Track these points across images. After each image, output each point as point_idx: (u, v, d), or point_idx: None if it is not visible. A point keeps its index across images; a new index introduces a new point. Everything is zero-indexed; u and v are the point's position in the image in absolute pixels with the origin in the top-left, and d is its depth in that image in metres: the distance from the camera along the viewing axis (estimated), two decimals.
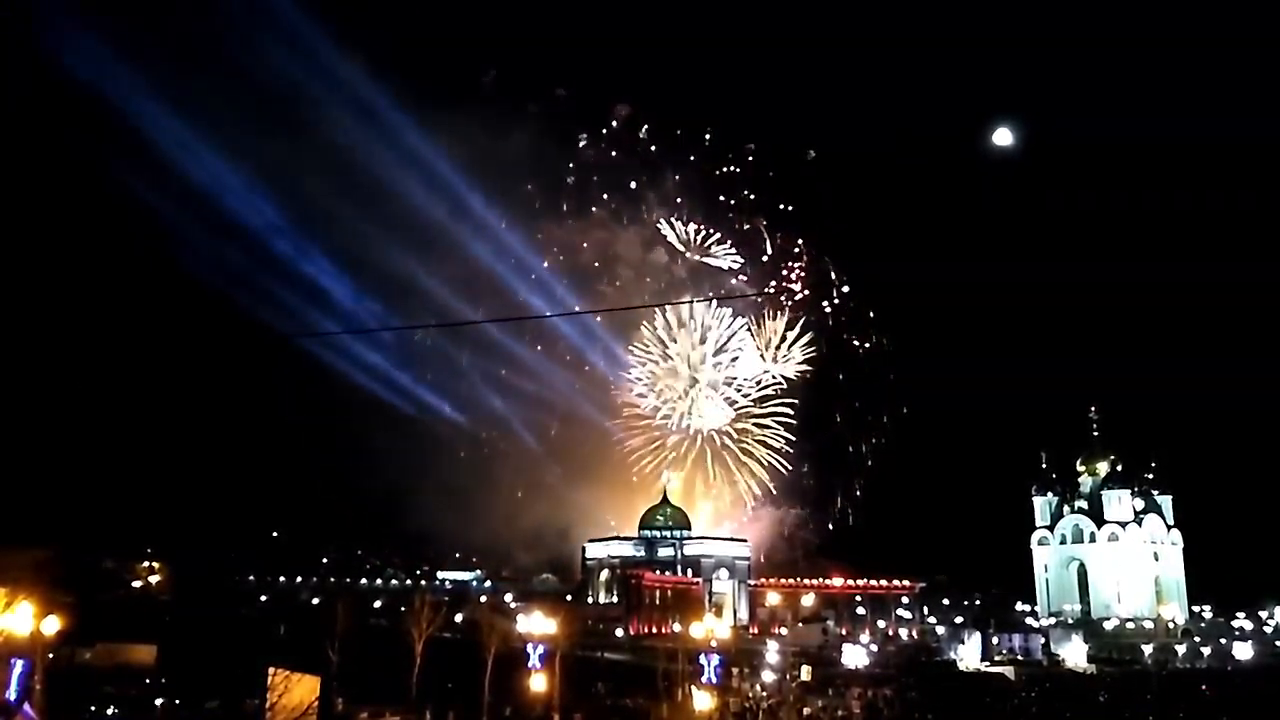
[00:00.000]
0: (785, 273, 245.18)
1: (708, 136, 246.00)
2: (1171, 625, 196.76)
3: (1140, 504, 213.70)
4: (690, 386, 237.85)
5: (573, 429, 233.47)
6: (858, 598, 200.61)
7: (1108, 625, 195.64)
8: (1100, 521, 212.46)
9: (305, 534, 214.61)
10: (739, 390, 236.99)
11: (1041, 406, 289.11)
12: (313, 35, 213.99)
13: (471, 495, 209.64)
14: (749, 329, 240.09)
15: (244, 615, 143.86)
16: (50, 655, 53.70)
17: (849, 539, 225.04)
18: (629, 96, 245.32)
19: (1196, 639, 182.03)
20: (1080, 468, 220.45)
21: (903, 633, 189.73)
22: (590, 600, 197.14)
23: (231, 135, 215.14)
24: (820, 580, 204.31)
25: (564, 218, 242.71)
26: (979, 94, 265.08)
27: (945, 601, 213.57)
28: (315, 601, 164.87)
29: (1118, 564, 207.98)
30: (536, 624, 72.83)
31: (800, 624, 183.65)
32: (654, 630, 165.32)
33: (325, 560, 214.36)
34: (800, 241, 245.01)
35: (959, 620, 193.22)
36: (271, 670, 58.27)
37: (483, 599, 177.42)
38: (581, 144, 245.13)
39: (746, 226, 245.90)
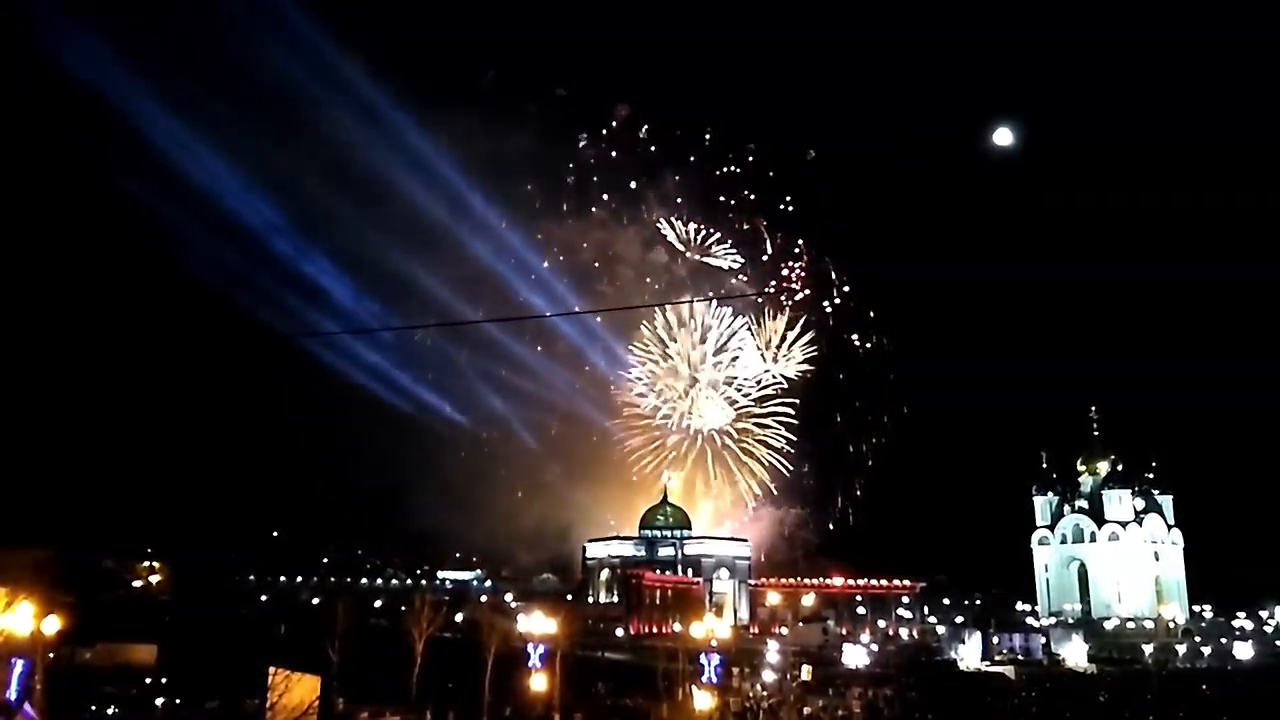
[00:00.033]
0: (785, 273, 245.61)
1: (708, 136, 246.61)
2: (1172, 625, 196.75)
3: (1140, 504, 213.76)
4: (690, 386, 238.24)
5: (573, 429, 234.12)
6: (858, 598, 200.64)
7: (1108, 625, 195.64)
8: (1100, 521, 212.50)
9: (305, 534, 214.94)
10: (739, 390, 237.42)
11: (1041, 406, 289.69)
12: (312, 35, 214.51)
13: (471, 495, 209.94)
14: (749, 329, 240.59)
15: (244, 615, 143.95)
16: (50, 655, 53.65)
17: (849, 539, 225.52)
18: (629, 96, 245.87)
19: (1197, 639, 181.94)
20: (1080, 467, 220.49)
21: (903, 632, 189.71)
22: (590, 600, 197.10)
23: (231, 135, 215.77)
24: (820, 580, 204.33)
25: (564, 218, 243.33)
26: (979, 94, 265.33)
27: (945, 601, 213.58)
28: (315, 601, 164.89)
29: (1118, 564, 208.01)
30: (537, 624, 72.75)
31: (800, 624, 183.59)
32: (654, 630, 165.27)
33: (325, 560, 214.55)
34: (800, 241, 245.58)
35: (959, 620, 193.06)
36: (272, 670, 58.35)
37: (483, 599, 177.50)
38: (581, 144, 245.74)
39: (746, 226, 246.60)
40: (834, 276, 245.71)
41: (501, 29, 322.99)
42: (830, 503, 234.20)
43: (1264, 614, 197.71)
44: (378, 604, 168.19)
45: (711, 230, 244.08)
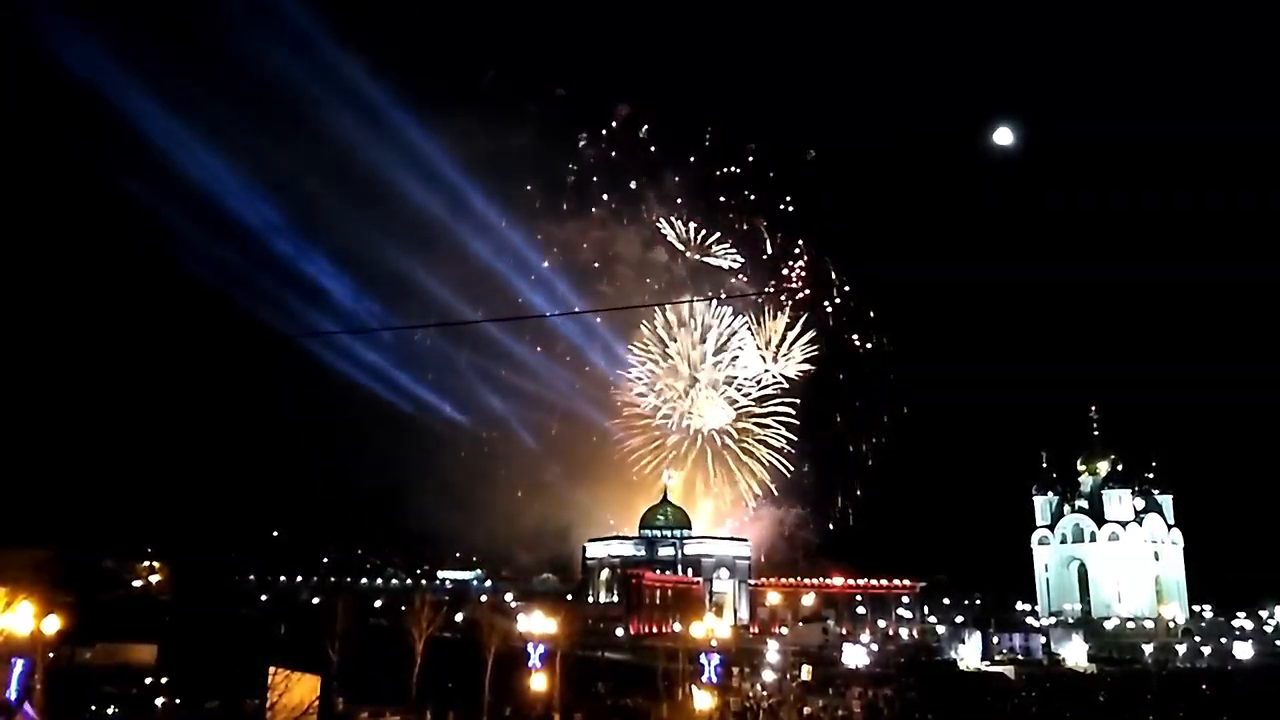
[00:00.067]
0: (785, 273, 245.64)
1: (708, 136, 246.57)
2: (1172, 625, 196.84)
3: (1140, 504, 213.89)
4: (690, 386, 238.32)
5: (573, 429, 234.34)
6: (858, 597, 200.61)
7: (1108, 625, 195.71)
8: (1100, 521, 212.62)
9: (305, 534, 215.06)
10: (739, 390, 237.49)
11: (1041, 406, 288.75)
12: (312, 35, 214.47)
13: (471, 495, 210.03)
14: (749, 329, 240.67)
15: (244, 615, 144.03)
16: (50, 655, 53.68)
17: (849, 539, 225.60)
18: (629, 96, 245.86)
19: (1197, 639, 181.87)
20: (1080, 467, 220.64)
21: (903, 632, 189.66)
22: (590, 600, 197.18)
23: (231, 135, 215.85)
24: (820, 580, 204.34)
25: (564, 217, 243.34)
26: (979, 94, 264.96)
27: (945, 601, 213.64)
28: (315, 601, 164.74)
29: (1118, 564, 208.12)
30: (537, 624, 72.80)
31: (800, 624, 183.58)
32: (654, 630, 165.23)
33: (325, 560, 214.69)
34: (800, 241, 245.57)
35: (959, 620, 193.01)
36: (272, 670, 58.39)
37: (483, 599, 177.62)
38: (581, 144, 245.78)
39: (746, 226, 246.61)
40: (834, 276, 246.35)
41: (501, 29, 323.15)
42: (830, 503, 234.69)
43: (1264, 614, 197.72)
44: (378, 604, 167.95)
45: (711, 230, 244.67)
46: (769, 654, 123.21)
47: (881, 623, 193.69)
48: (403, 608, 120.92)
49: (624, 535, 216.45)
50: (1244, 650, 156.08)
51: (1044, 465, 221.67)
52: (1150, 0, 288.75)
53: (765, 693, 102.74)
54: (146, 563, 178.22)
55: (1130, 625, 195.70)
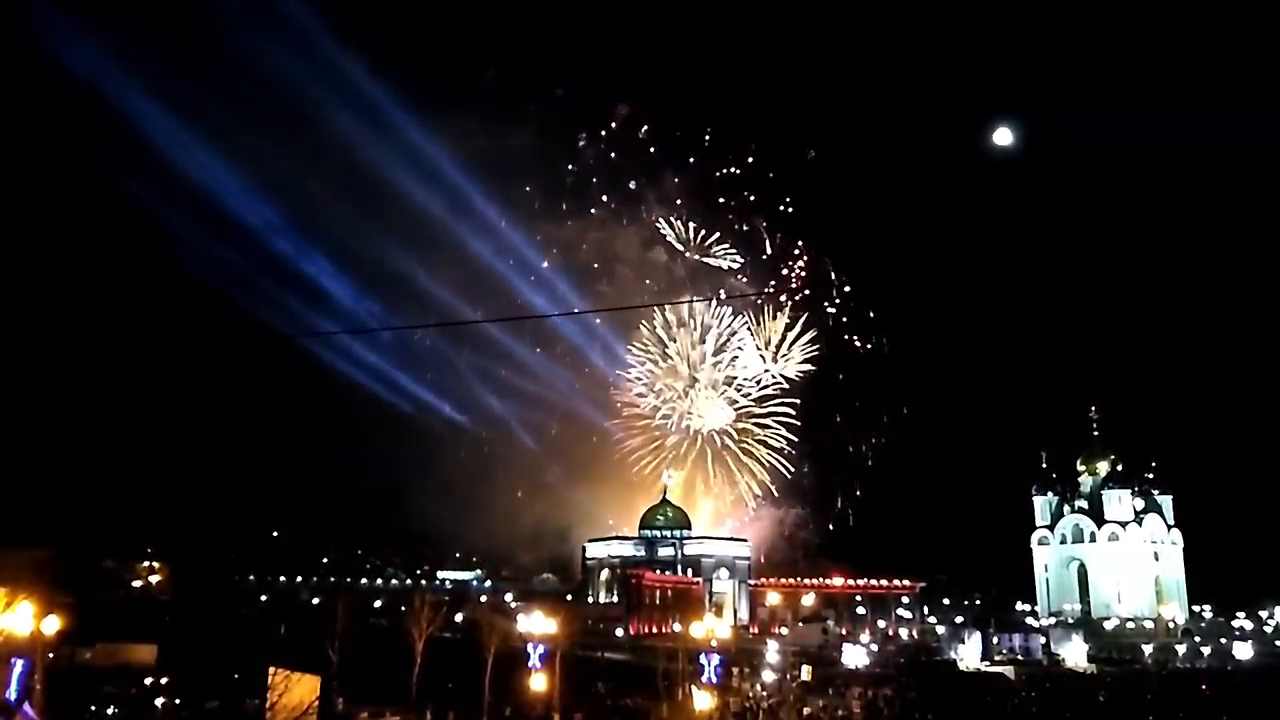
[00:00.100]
0: (785, 273, 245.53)
1: (708, 137, 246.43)
2: (1171, 625, 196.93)
3: (1140, 504, 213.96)
4: (690, 386, 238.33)
5: (572, 429, 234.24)
6: (858, 598, 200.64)
7: (1108, 625, 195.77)
8: (1100, 521, 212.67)
9: (305, 534, 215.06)
10: (739, 390, 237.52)
11: (1041, 406, 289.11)
12: (312, 35, 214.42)
13: (471, 495, 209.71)
14: (749, 329, 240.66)
15: (244, 615, 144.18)
16: (50, 655, 53.70)
17: (849, 539, 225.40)
18: (629, 96, 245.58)
19: (1196, 639, 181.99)
20: (1080, 467, 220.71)
21: (903, 633, 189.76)
22: (590, 600, 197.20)
23: (231, 135, 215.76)
24: (820, 580, 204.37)
25: (564, 217, 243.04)
26: (979, 94, 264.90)
27: (945, 601, 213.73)
28: (315, 601, 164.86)
29: (1118, 564, 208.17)
30: (536, 624, 72.83)
31: (800, 624, 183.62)
32: (654, 630, 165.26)
33: (325, 560, 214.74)
34: (800, 242, 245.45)
35: (959, 620, 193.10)
36: (271, 670, 58.36)
37: (483, 599, 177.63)
38: (581, 144, 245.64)
39: (746, 227, 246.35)
40: (834, 276, 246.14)
41: (501, 29, 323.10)
42: (830, 503, 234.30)
43: (1264, 614, 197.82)
44: (378, 604, 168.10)
45: (711, 230, 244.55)
46: (769, 654, 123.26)
47: (881, 623, 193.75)
48: (403, 608, 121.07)
49: (624, 535, 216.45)
50: (1244, 650, 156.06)
51: (1044, 465, 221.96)
52: (1150, 0, 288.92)
53: (765, 693, 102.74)
54: (146, 563, 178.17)
55: (1130, 625, 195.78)
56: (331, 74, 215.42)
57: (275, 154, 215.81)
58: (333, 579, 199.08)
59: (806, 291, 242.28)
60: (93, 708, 70.35)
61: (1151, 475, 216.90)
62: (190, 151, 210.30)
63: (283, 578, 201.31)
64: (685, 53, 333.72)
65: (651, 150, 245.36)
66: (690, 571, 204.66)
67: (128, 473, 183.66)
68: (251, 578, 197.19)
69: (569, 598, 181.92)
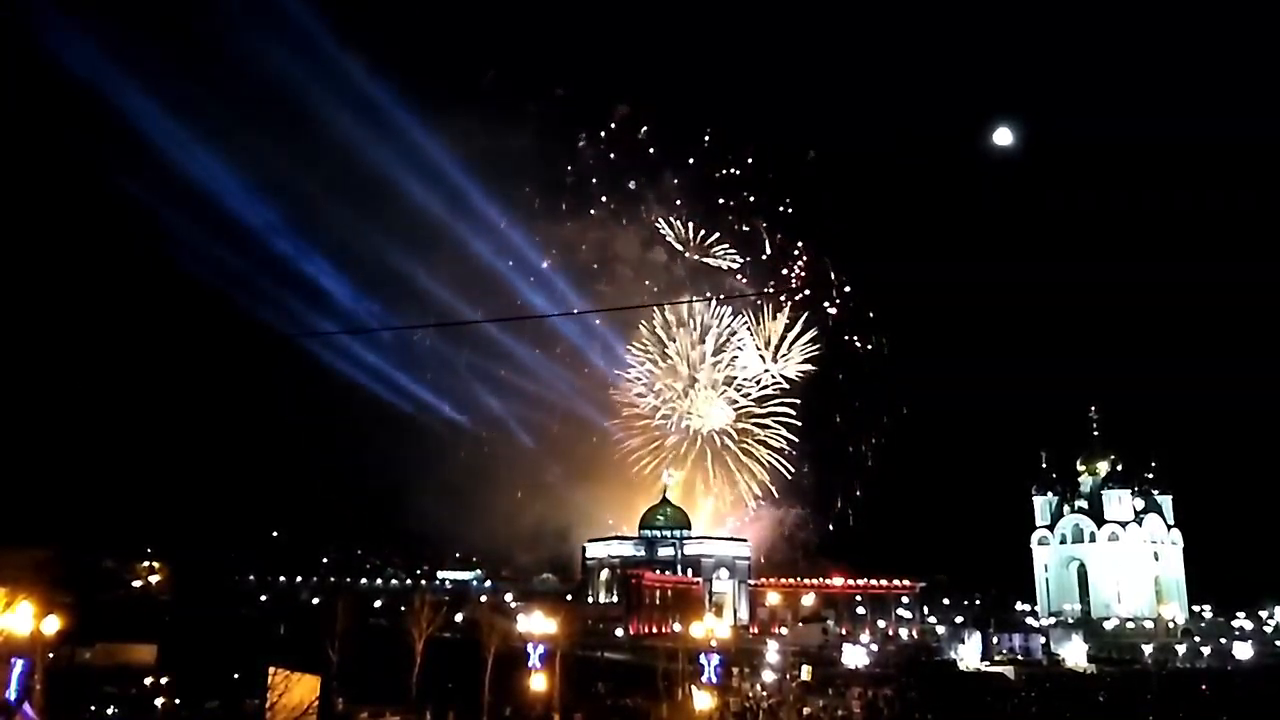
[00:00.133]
0: (785, 273, 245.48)
1: (707, 137, 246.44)
2: (1171, 625, 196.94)
3: (1140, 504, 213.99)
4: (690, 386, 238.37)
5: (572, 429, 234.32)
6: (858, 598, 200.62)
7: (1108, 625, 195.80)
8: (1100, 521, 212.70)
9: (305, 534, 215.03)
10: (739, 390, 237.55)
11: (1041, 406, 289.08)
12: (313, 35, 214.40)
13: (471, 495, 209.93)
14: (749, 329, 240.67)
15: (244, 615, 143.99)
16: (50, 655, 53.79)
17: (849, 539, 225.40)
18: (629, 96, 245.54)
19: (1196, 639, 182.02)
20: (1080, 467, 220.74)
21: (903, 633, 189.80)
22: (590, 600, 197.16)
23: (231, 135, 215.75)
24: (820, 580, 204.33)
25: (563, 217, 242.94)
26: (979, 94, 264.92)
27: (945, 601, 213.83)
28: (315, 601, 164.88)
29: (1118, 564, 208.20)
30: (536, 624, 72.84)
31: (800, 624, 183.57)
32: (654, 630, 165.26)
33: (325, 560, 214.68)
34: (800, 242, 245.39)
35: (959, 620, 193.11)
36: (271, 670, 58.38)
37: (483, 599, 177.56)
38: (581, 144, 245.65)
39: (746, 227, 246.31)
40: (834, 277, 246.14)
41: (501, 29, 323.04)
42: (830, 503, 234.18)
43: (1264, 614, 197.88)
44: (378, 604, 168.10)
45: (711, 230, 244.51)
46: (769, 654, 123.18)
47: (881, 623, 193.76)
48: (403, 608, 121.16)
49: (624, 535, 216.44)
50: (1244, 650, 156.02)
51: (1044, 465, 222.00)
52: (1150, 0, 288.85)
53: (765, 693, 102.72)
54: (146, 563, 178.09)
55: (1130, 625, 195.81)
56: (331, 74, 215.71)
57: (275, 154, 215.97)
58: (333, 579, 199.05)
59: (806, 291, 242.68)
60: (93, 708, 70.33)
61: (1151, 475, 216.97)
62: (190, 151, 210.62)
63: (283, 578, 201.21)
64: (685, 53, 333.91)
65: (651, 150, 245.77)
66: (690, 571, 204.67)
67: (128, 473, 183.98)
68: (251, 578, 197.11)
69: (569, 598, 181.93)
